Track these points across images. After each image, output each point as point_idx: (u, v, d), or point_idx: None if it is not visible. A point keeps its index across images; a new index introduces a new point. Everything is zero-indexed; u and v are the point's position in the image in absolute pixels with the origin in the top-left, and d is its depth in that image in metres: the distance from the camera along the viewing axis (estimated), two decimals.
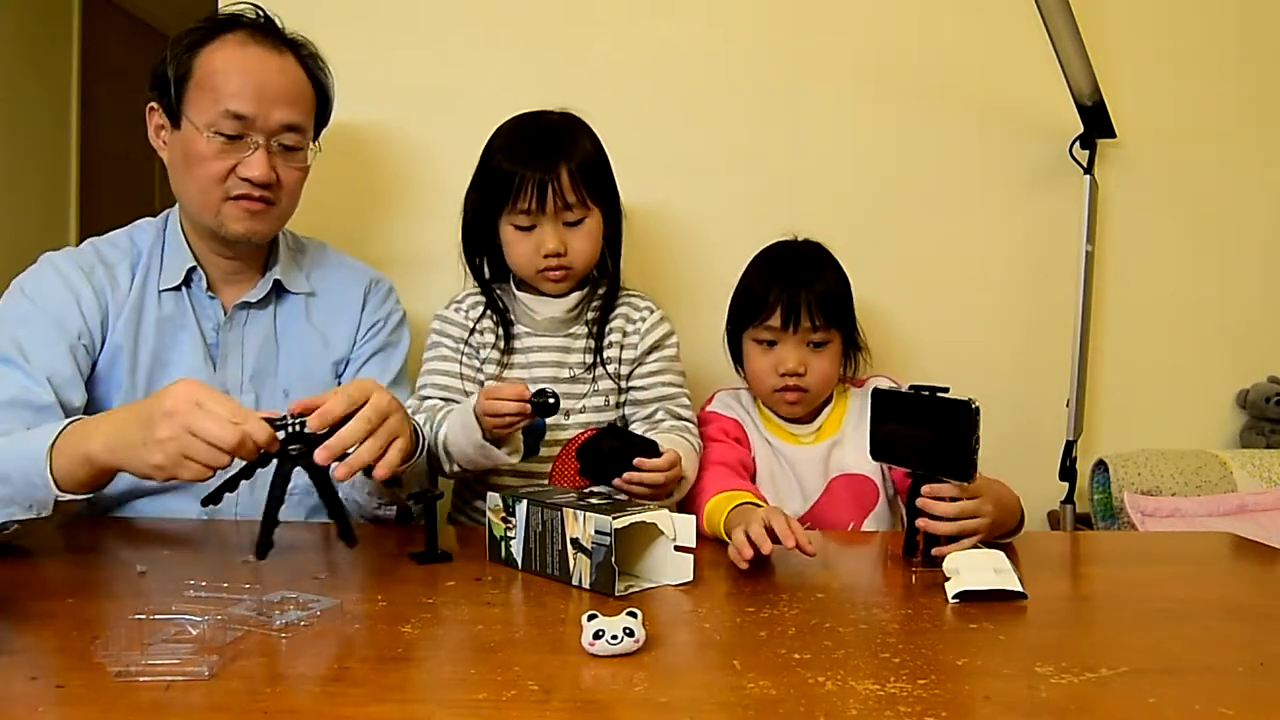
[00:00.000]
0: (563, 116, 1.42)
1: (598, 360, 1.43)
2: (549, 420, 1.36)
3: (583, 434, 1.37)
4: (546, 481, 1.39)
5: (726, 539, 1.15)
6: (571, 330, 1.45)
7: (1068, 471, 1.80)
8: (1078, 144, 1.80)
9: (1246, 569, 1.22)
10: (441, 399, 1.40)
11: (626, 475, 1.20)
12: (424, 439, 1.25)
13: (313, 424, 0.99)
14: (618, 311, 1.46)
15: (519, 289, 1.46)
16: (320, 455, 0.99)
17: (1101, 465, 1.85)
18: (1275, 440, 1.89)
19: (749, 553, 1.04)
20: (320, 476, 1.00)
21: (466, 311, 1.45)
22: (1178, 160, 1.91)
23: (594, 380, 1.43)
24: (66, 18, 3.12)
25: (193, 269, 1.35)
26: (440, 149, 1.80)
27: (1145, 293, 1.92)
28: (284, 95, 1.30)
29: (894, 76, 1.86)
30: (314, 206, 1.49)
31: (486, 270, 1.49)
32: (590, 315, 1.46)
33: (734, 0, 1.85)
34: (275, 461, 0.99)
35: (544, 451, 1.40)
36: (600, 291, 1.48)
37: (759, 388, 1.50)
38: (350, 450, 1.00)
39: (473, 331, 1.43)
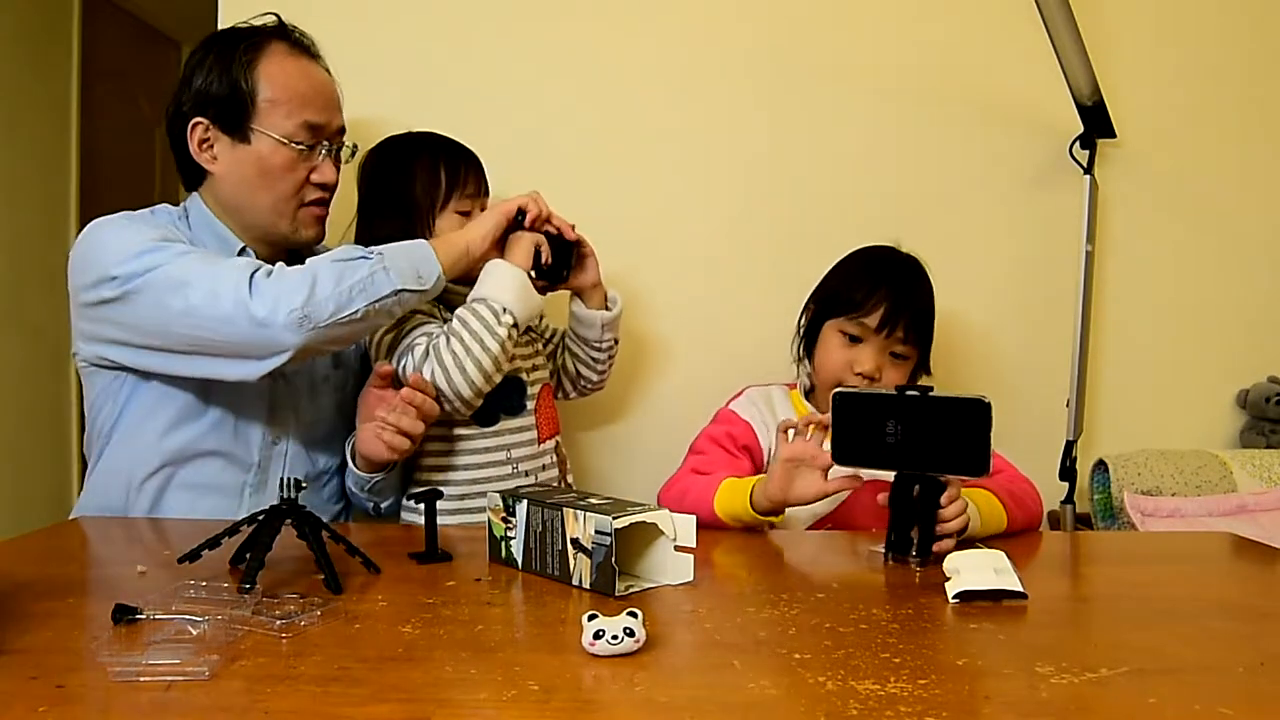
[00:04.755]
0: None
1: (533, 329, 1.57)
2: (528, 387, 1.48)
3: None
4: (534, 435, 1.46)
5: (752, 513, 1.23)
6: None
7: (1068, 471, 1.80)
8: (1078, 144, 1.80)
9: (1246, 569, 1.22)
10: None
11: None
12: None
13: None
14: None
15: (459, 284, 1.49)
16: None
17: (1101, 465, 1.85)
18: (1275, 440, 1.89)
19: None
20: (310, 532, 1.01)
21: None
22: (1178, 160, 1.91)
23: (538, 349, 1.55)
24: (66, 18, 3.11)
25: (243, 249, 1.37)
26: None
27: (1145, 293, 1.92)
28: (336, 101, 1.40)
29: (894, 76, 1.86)
30: None
31: None
32: None
33: (732, 2, 1.85)
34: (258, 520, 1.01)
35: (529, 405, 1.48)
36: None
37: (825, 376, 1.48)
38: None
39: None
